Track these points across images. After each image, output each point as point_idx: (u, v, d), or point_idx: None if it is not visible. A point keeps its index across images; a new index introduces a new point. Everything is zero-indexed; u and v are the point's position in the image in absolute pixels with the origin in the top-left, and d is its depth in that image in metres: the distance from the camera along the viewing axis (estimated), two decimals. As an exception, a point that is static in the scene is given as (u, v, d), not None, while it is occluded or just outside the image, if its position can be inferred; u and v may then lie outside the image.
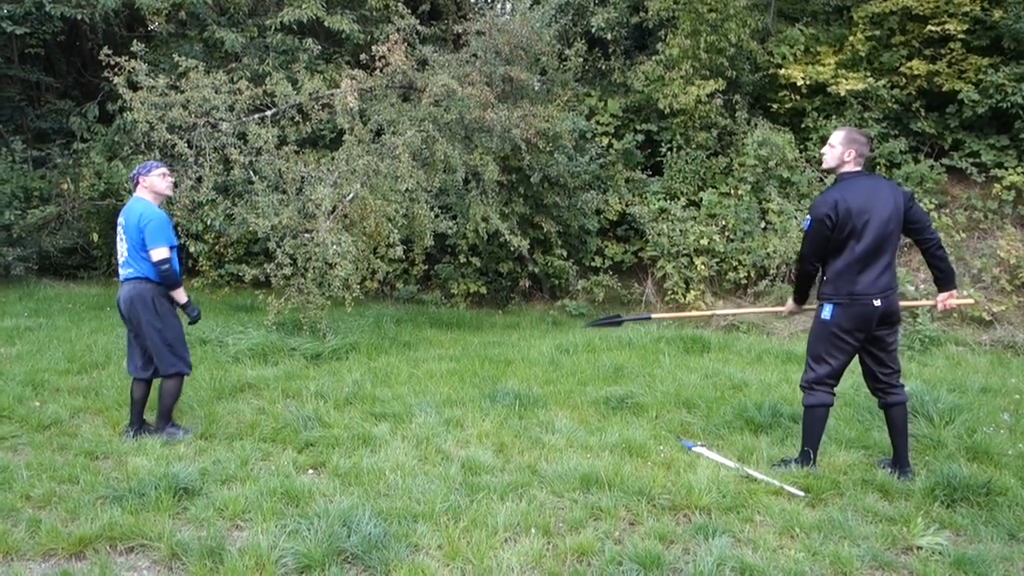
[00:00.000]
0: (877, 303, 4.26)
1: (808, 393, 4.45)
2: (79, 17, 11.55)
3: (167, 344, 5.04)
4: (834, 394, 4.48)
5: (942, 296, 4.55)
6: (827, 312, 4.35)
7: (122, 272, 5.05)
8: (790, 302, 4.83)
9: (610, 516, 3.92)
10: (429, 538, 3.67)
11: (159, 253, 4.93)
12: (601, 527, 3.82)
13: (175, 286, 5.09)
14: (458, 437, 5.05)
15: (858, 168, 4.41)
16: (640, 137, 11.18)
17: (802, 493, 4.19)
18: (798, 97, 10.75)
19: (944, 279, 4.51)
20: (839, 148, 4.40)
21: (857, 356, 4.47)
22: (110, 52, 7.94)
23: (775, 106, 10.97)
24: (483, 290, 10.78)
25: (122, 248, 5.02)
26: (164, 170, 5.14)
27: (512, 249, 9.54)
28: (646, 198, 10.69)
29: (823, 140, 10.32)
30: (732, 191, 10.40)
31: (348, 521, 3.70)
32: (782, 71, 10.58)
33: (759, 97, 11.41)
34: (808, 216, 4.39)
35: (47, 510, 4.01)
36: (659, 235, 10.13)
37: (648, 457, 4.72)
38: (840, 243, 4.31)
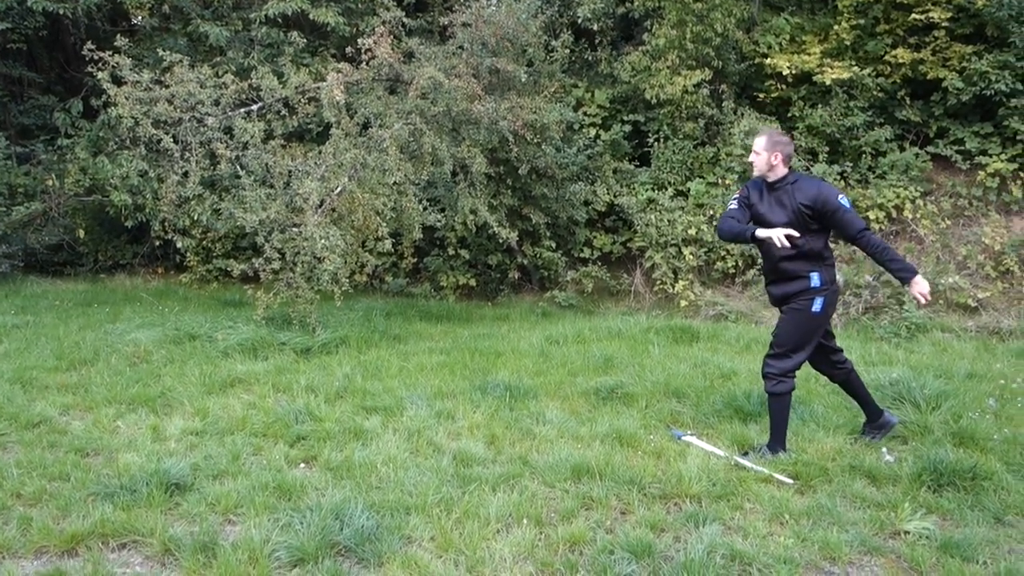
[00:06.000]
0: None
1: (781, 381, 4.51)
2: (61, 12, 11.45)
3: None
4: None
5: None
6: (818, 305, 4.43)
7: None
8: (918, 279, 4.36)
9: (601, 506, 3.94)
10: (422, 530, 3.69)
11: None
12: (593, 517, 3.85)
13: None
14: (449, 429, 5.06)
15: (787, 170, 4.48)
16: (627, 128, 11.19)
17: (791, 480, 4.23)
18: (784, 86, 10.77)
19: None
20: (765, 154, 4.45)
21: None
22: (93, 47, 7.87)
23: (761, 95, 11.00)
24: (472, 282, 10.80)
25: None
26: None
27: (501, 241, 9.55)
28: (634, 188, 10.71)
29: (809, 129, 10.39)
30: (720, 181, 10.43)
31: (341, 514, 3.71)
32: (768, 60, 10.60)
33: (745, 87, 11.43)
34: (842, 196, 4.41)
35: (38, 507, 3.99)
36: (647, 225, 10.16)
37: (638, 447, 4.75)
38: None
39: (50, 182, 11.80)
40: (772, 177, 4.48)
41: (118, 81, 7.86)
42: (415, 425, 5.06)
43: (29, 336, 7.68)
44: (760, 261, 9.61)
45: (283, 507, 3.89)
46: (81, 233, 11.96)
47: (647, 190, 10.58)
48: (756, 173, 4.55)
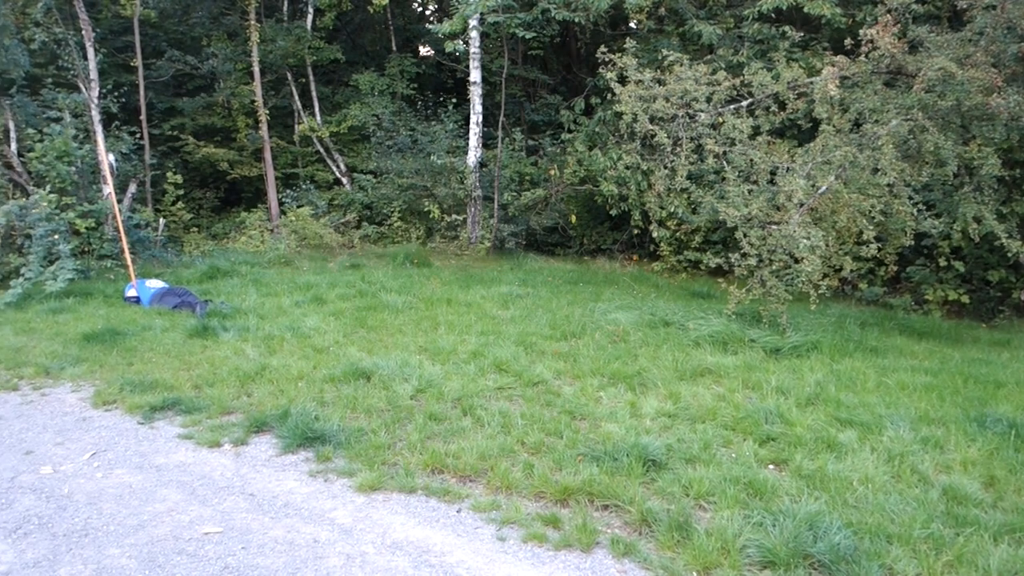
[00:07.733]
0: None
1: None
2: (575, 19, 12.81)
3: None
4: None
5: None
6: None
7: None
8: None
9: None
10: (905, 564, 3.40)
11: None
12: None
13: None
14: (937, 460, 4.56)
15: None
16: None
17: None
18: None
19: None
20: None
21: None
22: (605, 50, 8.65)
23: None
24: (964, 299, 9.57)
25: None
26: None
27: (1008, 255, 8.27)
28: None
29: None
30: None
31: (815, 525, 3.60)
32: None
33: None
34: None
35: (537, 457, 4.58)
36: None
37: None
38: None
39: (552, 172, 13.40)
40: None
41: (623, 80, 8.53)
42: (896, 448, 4.66)
43: (529, 306, 8.82)
44: None
45: (754, 505, 3.90)
46: (573, 218, 13.41)
47: None
48: None
